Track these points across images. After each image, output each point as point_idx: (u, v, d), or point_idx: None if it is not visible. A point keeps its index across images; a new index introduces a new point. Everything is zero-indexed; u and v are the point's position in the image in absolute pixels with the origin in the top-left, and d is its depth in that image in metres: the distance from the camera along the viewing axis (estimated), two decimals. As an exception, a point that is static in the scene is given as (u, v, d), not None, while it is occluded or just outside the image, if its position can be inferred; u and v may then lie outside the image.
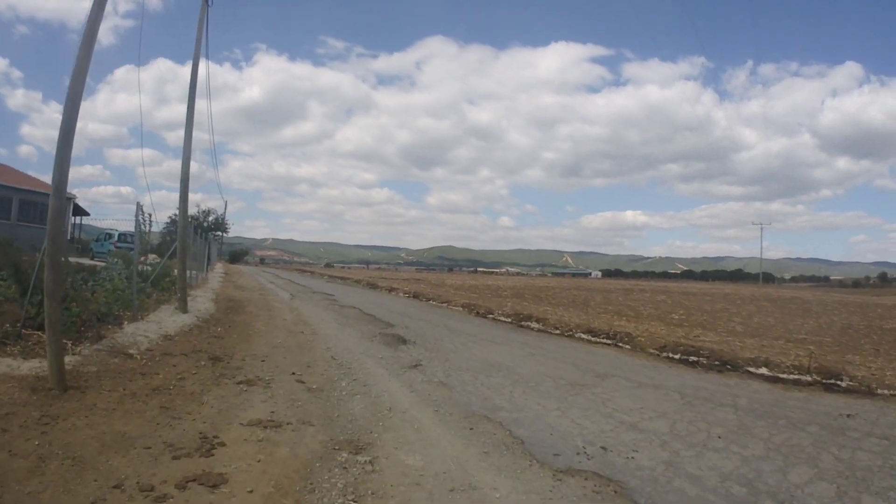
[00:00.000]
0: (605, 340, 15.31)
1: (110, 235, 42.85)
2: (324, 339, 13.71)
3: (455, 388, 9.20)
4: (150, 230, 18.47)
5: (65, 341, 9.18)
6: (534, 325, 18.61)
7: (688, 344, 13.78)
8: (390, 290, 34.38)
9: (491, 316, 21.14)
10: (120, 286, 14.57)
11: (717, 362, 12.27)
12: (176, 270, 17.92)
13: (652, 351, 13.61)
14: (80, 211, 56.32)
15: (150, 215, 17.47)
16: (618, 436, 7.01)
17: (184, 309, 15.84)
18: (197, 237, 31.14)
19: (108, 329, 11.65)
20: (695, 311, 26.24)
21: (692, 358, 12.73)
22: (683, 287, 73.47)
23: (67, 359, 8.55)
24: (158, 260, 33.68)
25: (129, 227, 17.51)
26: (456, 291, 34.11)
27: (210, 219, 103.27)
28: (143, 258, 28.69)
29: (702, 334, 16.24)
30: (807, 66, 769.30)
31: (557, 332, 17.04)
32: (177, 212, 70.06)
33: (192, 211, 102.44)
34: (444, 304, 25.31)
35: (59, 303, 8.10)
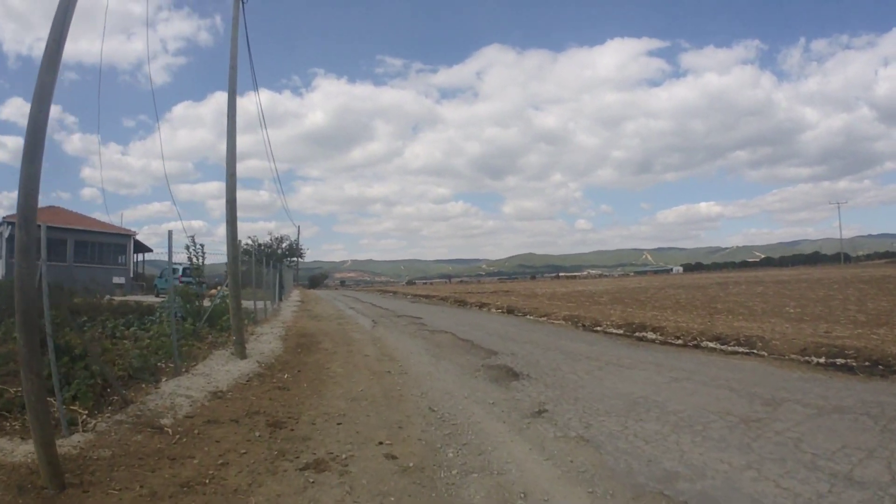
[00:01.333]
0: (739, 348, 13.34)
1: (175, 270, 41.09)
2: (416, 379, 10.95)
3: (603, 447, 6.65)
4: (203, 261, 16.77)
5: (79, 411, 7.63)
6: (650, 335, 16.15)
7: (828, 343, 12.18)
8: (481, 306, 31.43)
9: (599, 328, 18.41)
10: (166, 331, 12.30)
11: (867, 362, 10.80)
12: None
13: (793, 356, 11.89)
14: (141, 247, 54.95)
15: (201, 245, 16.39)
16: (845, 499, 5.12)
17: (241, 354, 13.18)
18: (267, 266, 29.03)
19: (141, 389, 9.29)
20: (804, 301, 23.70)
21: (839, 360, 11.20)
22: (772, 275, 69.17)
23: (77, 438, 6.86)
24: (226, 292, 31.78)
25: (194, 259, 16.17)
26: (551, 302, 31.08)
27: (284, 245, 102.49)
28: (212, 291, 26.87)
29: (830, 329, 14.62)
30: (857, 38, 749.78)
31: (679, 341, 14.79)
32: (248, 240, 68.74)
33: (265, 239, 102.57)
34: (544, 318, 22.32)
35: (38, 375, 5.65)
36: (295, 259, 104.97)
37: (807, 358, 11.65)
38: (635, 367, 11.36)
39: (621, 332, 17.17)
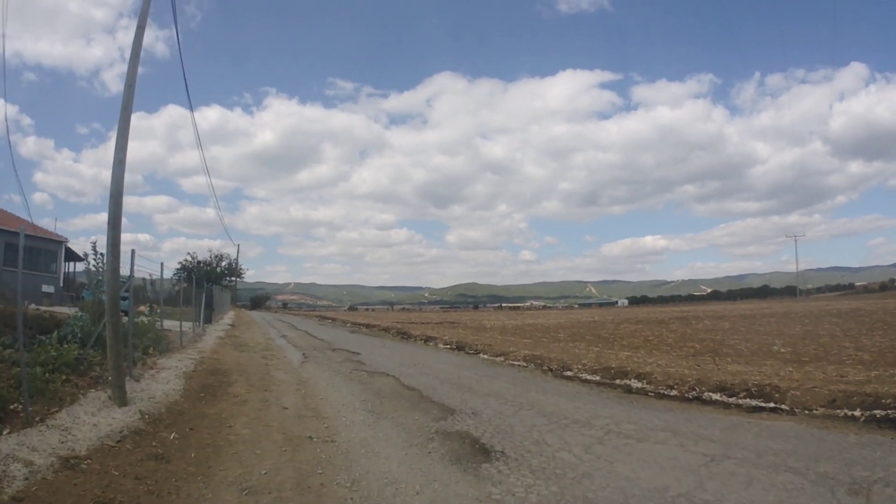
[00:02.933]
0: (753, 402, 11.13)
1: (101, 282, 38.00)
2: (346, 453, 7.93)
3: None
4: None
5: None
6: (635, 383, 13.69)
7: (857, 391, 10.42)
8: (426, 339, 28.10)
9: (570, 373, 15.76)
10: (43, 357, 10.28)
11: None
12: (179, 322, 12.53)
13: (823, 409, 10.03)
14: (73, 256, 51.08)
15: (101, 254, 14.17)
16: None
17: (121, 399, 9.98)
18: (199, 285, 26.18)
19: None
20: (787, 338, 22.33)
21: (877, 412, 9.43)
22: (731, 309, 67.99)
23: None
24: (157, 311, 28.57)
25: (124, 271, 13.40)
26: (503, 337, 28.50)
27: (223, 264, 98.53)
28: (140, 308, 23.75)
29: (842, 372, 13.11)
30: (813, 72, 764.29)
31: (674, 392, 12.39)
32: (188, 257, 65.66)
33: (203, 256, 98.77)
34: (501, 358, 19.48)
35: None
36: (233, 279, 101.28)
37: (842, 412, 9.83)
38: (647, 439, 8.50)
39: (598, 378, 14.62)
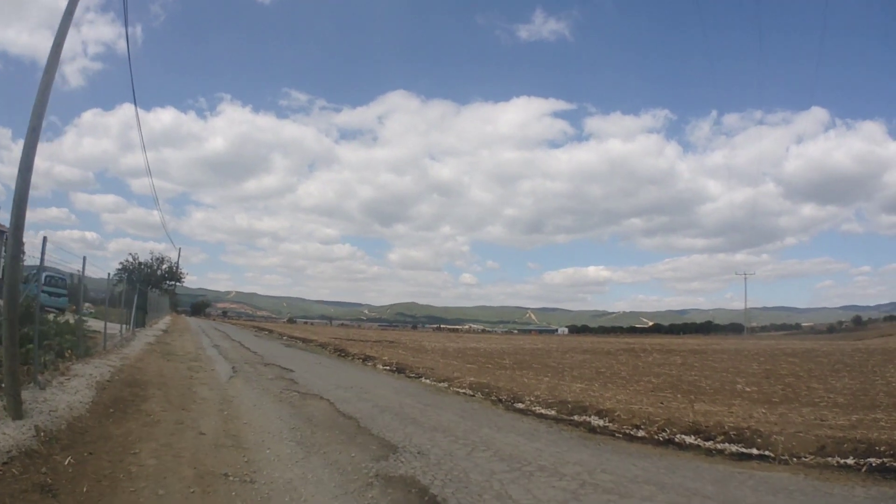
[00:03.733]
0: (735, 447, 10.12)
1: (35, 276, 36.08)
2: (266, 500, 6.74)
3: None
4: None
5: None
6: (596, 420, 12.56)
7: (845, 437, 9.76)
8: (365, 359, 26.66)
9: (522, 405, 14.57)
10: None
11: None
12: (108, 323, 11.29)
13: (813, 457, 9.25)
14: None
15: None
16: None
17: (16, 411, 8.62)
18: (121, 283, 24.74)
19: None
20: (748, 377, 21.75)
21: (873, 460, 8.83)
22: (675, 343, 68.94)
23: None
24: (91, 310, 26.97)
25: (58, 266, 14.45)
26: (445, 360, 27.36)
27: (164, 267, 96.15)
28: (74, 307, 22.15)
29: (820, 416, 12.42)
30: (772, 114, 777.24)
31: (642, 433, 11.36)
32: (129, 257, 64.03)
33: (145, 257, 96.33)
34: (445, 384, 18.32)
35: None
36: (173, 283, 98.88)
37: (834, 459, 9.12)
38: (631, 495, 7.36)
39: (554, 412, 13.49)
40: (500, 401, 15.26)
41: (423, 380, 19.71)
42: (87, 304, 30.58)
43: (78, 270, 17.95)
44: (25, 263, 12.66)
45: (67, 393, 11.18)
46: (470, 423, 12.11)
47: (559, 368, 24.74)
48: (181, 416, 10.88)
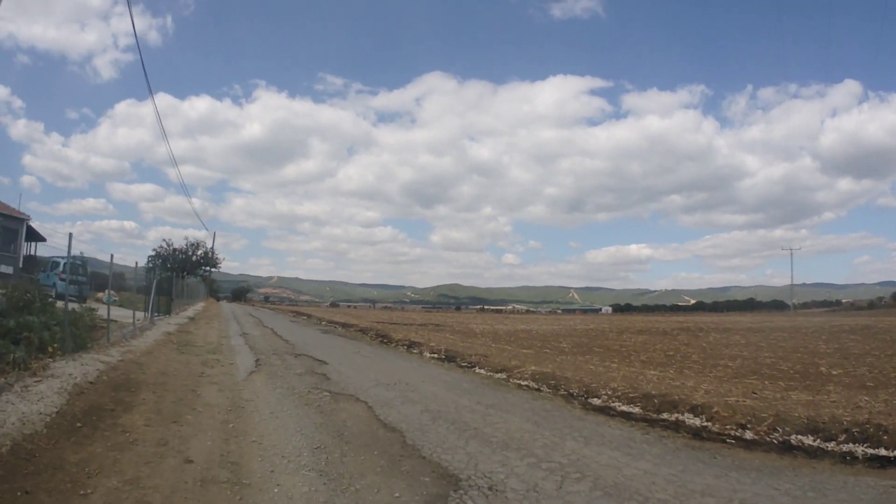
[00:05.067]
0: (863, 449, 8.18)
1: (56, 264, 35.08)
2: None
3: None
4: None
5: None
6: (691, 419, 10.26)
7: None
8: (409, 346, 23.80)
9: (597, 400, 11.99)
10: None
11: None
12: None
13: None
14: (35, 236, 46.76)
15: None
16: None
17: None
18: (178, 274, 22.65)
19: None
20: (826, 357, 19.73)
21: None
22: (726, 321, 64.60)
23: None
24: (115, 298, 24.90)
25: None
26: (498, 345, 24.60)
27: (199, 253, 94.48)
28: (99, 295, 24.22)
29: None
30: (805, 87, 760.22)
31: (749, 433, 9.21)
32: (163, 243, 63.15)
33: (179, 244, 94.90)
34: (503, 375, 15.52)
35: None
36: (208, 268, 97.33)
37: None
38: None
39: (639, 409, 11.08)
40: (572, 395, 12.65)
41: (476, 370, 16.95)
42: (111, 292, 28.76)
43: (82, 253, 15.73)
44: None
45: (28, 401, 8.62)
46: (547, 431, 9.33)
47: (623, 352, 22.04)
48: (168, 434, 8.13)
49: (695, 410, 10.46)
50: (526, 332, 36.48)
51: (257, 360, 16.86)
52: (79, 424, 8.11)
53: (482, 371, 16.66)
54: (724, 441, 8.92)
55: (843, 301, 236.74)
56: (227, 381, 12.86)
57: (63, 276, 31.03)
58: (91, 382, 10.76)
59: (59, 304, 16.28)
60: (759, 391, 12.31)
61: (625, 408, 11.35)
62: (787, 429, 8.99)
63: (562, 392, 12.97)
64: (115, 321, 20.36)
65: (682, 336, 33.02)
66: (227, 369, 14.71)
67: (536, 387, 13.83)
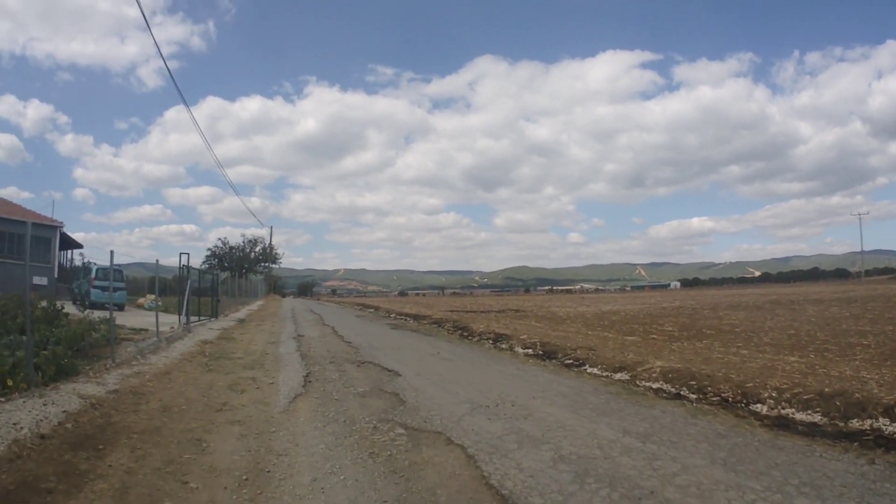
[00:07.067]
0: None
1: (88, 270, 33.13)
2: None
3: None
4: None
5: None
6: (889, 427, 7.39)
7: None
8: (496, 339, 19.58)
9: (763, 407, 8.93)
10: None
11: None
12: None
13: None
14: (71, 243, 44.33)
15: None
16: None
17: None
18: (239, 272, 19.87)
19: None
20: None
21: None
22: (814, 292, 60.57)
23: None
24: (158, 302, 22.14)
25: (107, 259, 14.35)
26: (593, 332, 21.01)
27: (257, 249, 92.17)
28: (140, 301, 25.29)
29: None
30: (850, 50, 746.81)
31: None
32: (219, 242, 61.94)
33: (235, 240, 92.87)
34: (624, 375, 12.03)
35: None
36: (267, 265, 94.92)
37: None
38: None
39: (819, 417, 8.16)
40: (728, 402, 9.46)
41: (588, 369, 13.27)
42: (154, 297, 26.74)
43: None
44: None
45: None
46: (756, 483, 5.97)
47: (739, 334, 18.52)
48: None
49: (889, 413, 7.67)
50: (614, 313, 32.89)
51: (307, 375, 12.73)
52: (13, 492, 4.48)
53: (595, 371, 13.00)
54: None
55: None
56: (258, 417, 8.86)
57: (95, 283, 28.47)
58: (42, 437, 7.00)
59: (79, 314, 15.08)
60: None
61: (802, 416, 8.37)
62: None
63: (711, 397, 9.77)
64: (146, 330, 18.51)
65: (780, 310, 29.95)
66: (262, 394, 10.75)
67: (675, 390, 10.50)
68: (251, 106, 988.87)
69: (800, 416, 8.30)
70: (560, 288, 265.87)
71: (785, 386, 9.20)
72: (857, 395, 8.30)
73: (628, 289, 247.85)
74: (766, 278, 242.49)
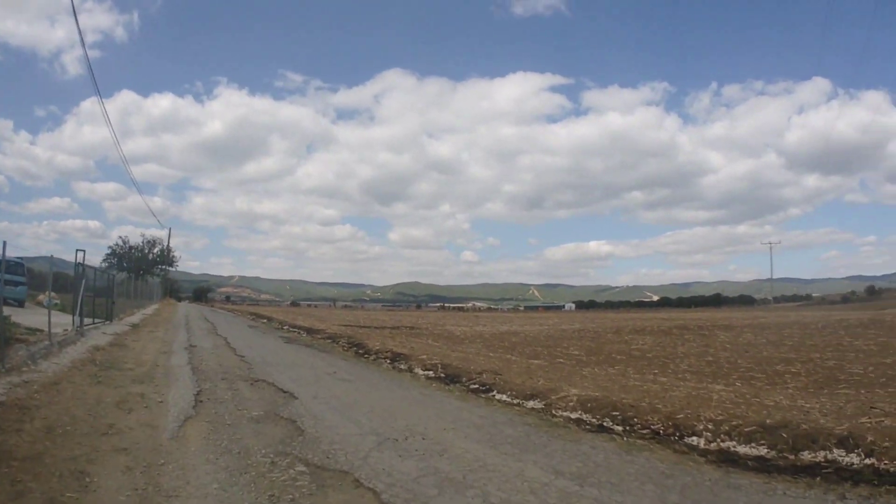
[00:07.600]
0: None
1: None
2: None
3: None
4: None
5: None
6: (844, 458, 7.29)
7: None
8: (394, 359, 18.95)
9: (698, 440, 8.59)
10: None
11: None
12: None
13: None
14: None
15: None
16: None
17: None
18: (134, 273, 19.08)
19: None
20: (863, 354, 18.27)
21: None
22: (720, 317, 60.65)
23: None
24: (56, 301, 21.69)
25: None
26: (494, 353, 20.90)
27: (155, 251, 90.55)
28: (40, 297, 24.80)
29: None
30: (772, 84, 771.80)
31: None
32: (119, 241, 60.57)
33: (136, 240, 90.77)
34: (537, 403, 11.58)
35: None
36: (164, 267, 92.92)
37: None
38: None
39: (765, 451, 7.80)
40: (659, 434, 9.04)
41: (496, 396, 12.78)
42: (53, 294, 26.63)
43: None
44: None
45: None
46: None
47: (651, 359, 18.61)
48: None
49: (844, 444, 7.45)
50: (513, 334, 32.86)
51: (198, 394, 11.91)
52: None
53: (505, 397, 12.52)
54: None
55: (814, 295, 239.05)
56: (145, 444, 8.01)
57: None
58: None
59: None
60: (874, 403, 9.89)
61: (746, 449, 7.99)
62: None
63: (640, 430, 9.29)
64: (41, 331, 18.06)
65: (689, 336, 29.55)
66: (151, 414, 9.93)
67: (598, 422, 10.00)
68: (163, 103, 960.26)
69: (743, 449, 8.02)
70: (452, 305, 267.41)
71: (721, 417, 8.98)
72: (803, 426, 8.11)
73: (521, 308, 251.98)
74: (664, 302, 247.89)
